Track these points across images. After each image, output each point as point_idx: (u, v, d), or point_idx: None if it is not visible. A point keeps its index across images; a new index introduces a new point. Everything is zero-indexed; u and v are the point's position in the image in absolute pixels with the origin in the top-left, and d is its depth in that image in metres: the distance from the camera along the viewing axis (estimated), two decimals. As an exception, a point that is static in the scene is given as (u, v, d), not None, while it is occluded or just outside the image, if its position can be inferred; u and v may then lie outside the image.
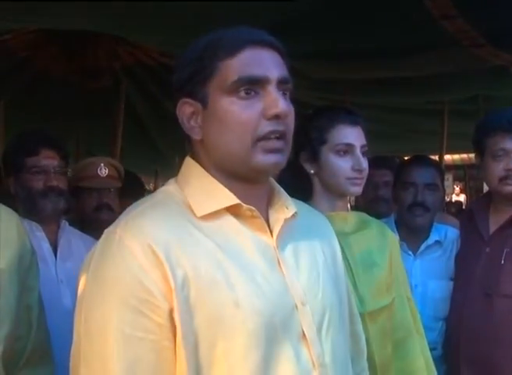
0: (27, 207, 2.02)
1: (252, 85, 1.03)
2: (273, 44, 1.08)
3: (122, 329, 0.95)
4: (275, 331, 1.01)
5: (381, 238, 1.75)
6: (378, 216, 2.46)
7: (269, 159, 1.04)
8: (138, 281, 0.96)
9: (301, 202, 1.24)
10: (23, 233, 1.56)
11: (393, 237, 1.81)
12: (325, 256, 1.19)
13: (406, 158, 3.21)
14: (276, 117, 1.03)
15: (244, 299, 0.99)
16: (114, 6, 2.76)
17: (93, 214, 2.52)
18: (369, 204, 2.92)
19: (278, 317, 1.02)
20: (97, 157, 2.73)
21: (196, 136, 1.08)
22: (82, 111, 5.16)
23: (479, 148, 2.13)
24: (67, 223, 2.17)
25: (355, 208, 3.34)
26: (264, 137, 1.03)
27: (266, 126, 1.03)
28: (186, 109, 1.08)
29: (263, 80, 1.04)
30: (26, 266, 1.54)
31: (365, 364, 1.32)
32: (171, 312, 0.96)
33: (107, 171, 2.56)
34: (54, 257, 2.06)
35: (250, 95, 1.03)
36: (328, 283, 1.15)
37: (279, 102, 1.03)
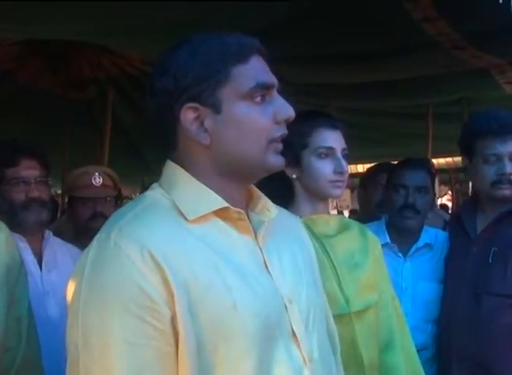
0: (9, 219, 1.95)
1: (265, 91, 1.07)
2: (265, 51, 1.12)
3: (124, 337, 0.93)
4: (271, 332, 1.02)
5: (362, 240, 1.76)
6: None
7: (279, 160, 1.10)
8: (138, 287, 0.94)
9: (275, 205, 1.24)
10: (11, 245, 1.54)
11: (374, 239, 1.82)
12: (303, 256, 1.21)
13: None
14: (287, 121, 1.09)
15: (241, 301, 0.99)
16: (98, 15, 2.76)
17: (87, 223, 2.49)
18: (375, 208, 3.00)
19: (272, 318, 1.03)
20: (91, 166, 2.68)
21: (203, 140, 1.06)
22: (67, 123, 5.15)
23: (468, 151, 2.11)
24: (51, 234, 2.15)
25: (359, 212, 3.41)
26: (275, 140, 1.08)
27: (278, 130, 1.08)
28: (190, 114, 1.06)
29: (273, 86, 1.09)
30: (15, 278, 1.53)
31: (339, 360, 1.33)
32: (172, 317, 0.95)
33: (101, 180, 2.53)
34: (39, 268, 2.04)
35: (264, 101, 1.07)
36: (309, 281, 1.18)
37: (289, 107, 1.09)
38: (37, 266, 2.04)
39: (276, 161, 1.09)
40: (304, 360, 1.06)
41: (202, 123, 1.06)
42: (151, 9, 2.66)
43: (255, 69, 1.07)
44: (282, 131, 1.09)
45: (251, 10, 2.72)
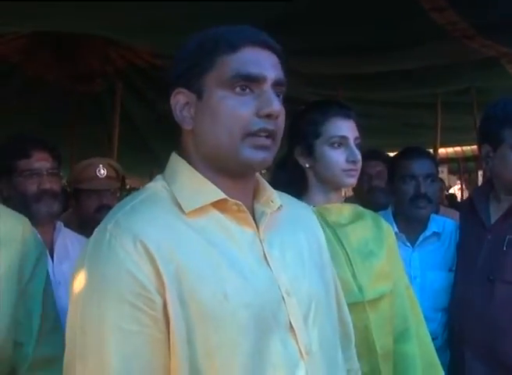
0: (21, 211, 1.96)
1: (248, 82, 1.05)
2: (272, 45, 1.10)
3: (118, 324, 0.97)
4: (265, 323, 1.03)
5: (376, 228, 1.76)
6: (376, 205, 2.48)
7: (257, 155, 1.05)
8: (132, 277, 0.97)
9: (286, 194, 1.26)
10: (29, 238, 1.52)
11: (388, 228, 1.82)
12: (310, 246, 1.21)
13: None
14: (268, 116, 1.05)
15: (233, 292, 1.01)
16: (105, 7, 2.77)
17: (93, 215, 2.47)
18: (366, 195, 3.02)
19: (267, 309, 1.04)
20: (95, 158, 2.67)
21: (187, 126, 1.09)
22: (76, 116, 5.16)
23: (492, 138, 2.04)
24: (62, 225, 2.16)
25: (354, 200, 3.43)
26: (254, 134, 1.05)
27: (257, 124, 1.04)
28: (180, 99, 1.09)
29: (260, 78, 1.06)
30: (29, 272, 1.50)
31: (354, 351, 1.34)
32: (164, 305, 0.98)
33: (106, 172, 2.53)
34: (51, 259, 2.04)
35: (245, 92, 1.05)
36: (313, 272, 1.18)
37: (273, 102, 1.05)
38: (49, 257, 2.03)
39: (253, 156, 1.05)
40: (301, 353, 1.07)
41: (190, 109, 1.09)
42: (151, 9, 2.68)
43: (241, 60, 1.05)
44: (263, 125, 1.04)
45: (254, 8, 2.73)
